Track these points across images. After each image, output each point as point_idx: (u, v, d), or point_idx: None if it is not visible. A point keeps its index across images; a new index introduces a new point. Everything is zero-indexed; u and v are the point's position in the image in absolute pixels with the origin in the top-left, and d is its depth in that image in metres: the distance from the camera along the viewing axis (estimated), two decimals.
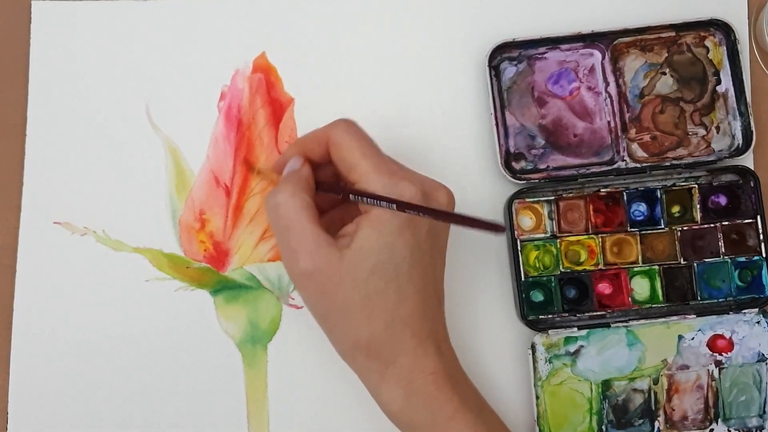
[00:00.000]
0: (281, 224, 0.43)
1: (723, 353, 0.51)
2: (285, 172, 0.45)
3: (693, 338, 0.51)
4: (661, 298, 0.51)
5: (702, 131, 0.52)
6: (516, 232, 0.51)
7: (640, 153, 0.52)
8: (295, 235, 0.42)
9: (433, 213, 0.43)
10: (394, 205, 0.42)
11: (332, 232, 0.44)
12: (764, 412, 0.51)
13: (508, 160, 0.52)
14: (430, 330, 0.44)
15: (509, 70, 0.53)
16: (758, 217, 0.51)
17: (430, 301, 0.44)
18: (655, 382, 0.51)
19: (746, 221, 0.51)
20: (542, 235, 0.51)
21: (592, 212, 0.51)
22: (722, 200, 0.52)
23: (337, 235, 0.44)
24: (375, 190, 0.43)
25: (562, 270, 0.51)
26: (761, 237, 0.51)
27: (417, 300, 0.43)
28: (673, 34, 0.53)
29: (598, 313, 0.51)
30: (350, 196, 0.44)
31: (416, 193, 0.43)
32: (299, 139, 0.48)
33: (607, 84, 0.52)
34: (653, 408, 0.51)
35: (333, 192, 0.46)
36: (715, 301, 0.51)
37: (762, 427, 0.51)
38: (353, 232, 0.43)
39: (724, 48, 0.53)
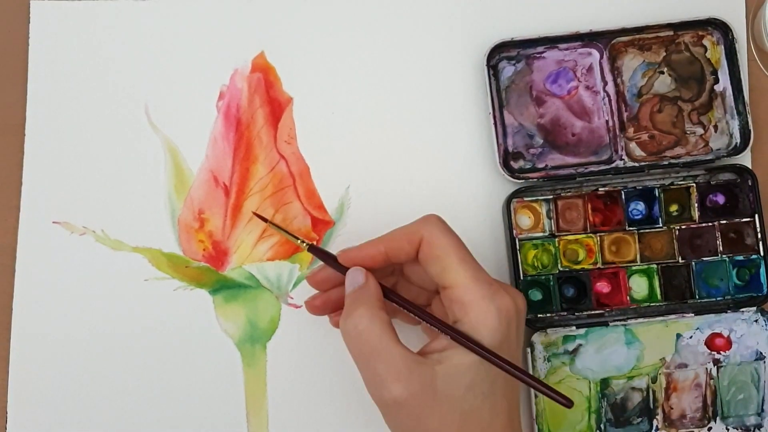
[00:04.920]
0: (365, 351, 0.41)
1: (721, 352, 0.51)
2: (348, 287, 0.43)
3: (691, 337, 0.51)
4: (659, 296, 0.51)
5: (700, 130, 0.53)
6: (514, 231, 0.51)
7: (638, 152, 0.52)
8: (382, 360, 0.40)
9: (512, 369, 0.41)
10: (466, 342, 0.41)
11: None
12: (762, 410, 0.51)
13: (507, 159, 0.52)
14: None
15: (507, 70, 0.53)
16: (756, 216, 0.51)
17: (516, 413, 0.43)
18: (654, 380, 0.51)
19: (744, 220, 0.52)
20: (540, 234, 0.51)
21: (590, 211, 0.51)
22: (720, 199, 0.52)
23: (424, 351, 0.42)
24: (473, 299, 0.41)
25: (561, 269, 0.51)
26: (759, 235, 0.51)
27: (508, 415, 0.42)
28: (671, 33, 0.53)
29: (597, 311, 0.51)
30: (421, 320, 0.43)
31: (513, 307, 0.41)
32: (385, 236, 0.44)
33: (605, 83, 0.53)
34: (652, 406, 0.51)
35: (403, 307, 0.43)
36: (713, 299, 0.52)
37: (760, 425, 0.51)
38: (444, 348, 0.41)
39: (722, 47, 0.53)
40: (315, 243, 0.50)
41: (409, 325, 0.47)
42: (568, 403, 0.40)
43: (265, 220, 0.48)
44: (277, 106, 0.53)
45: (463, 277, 0.41)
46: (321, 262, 0.46)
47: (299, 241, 0.46)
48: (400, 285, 0.47)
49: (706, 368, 0.51)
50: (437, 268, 0.42)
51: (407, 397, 0.40)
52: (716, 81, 0.53)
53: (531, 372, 0.50)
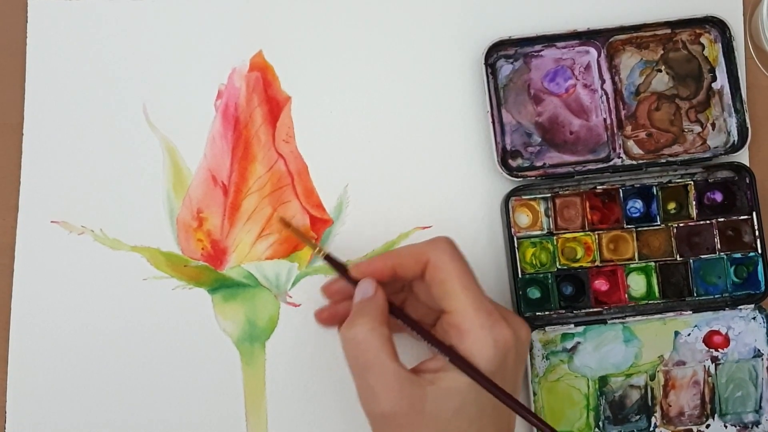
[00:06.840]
0: (360, 362, 0.41)
1: (719, 349, 0.51)
2: (357, 297, 0.44)
3: (689, 334, 0.51)
4: (657, 294, 0.51)
5: (697, 128, 0.53)
6: (513, 230, 0.51)
7: (636, 150, 0.52)
8: (375, 373, 0.41)
9: (503, 396, 0.41)
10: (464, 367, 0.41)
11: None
12: (760, 407, 0.51)
13: (505, 157, 0.52)
14: None
15: (505, 68, 0.53)
16: (753, 214, 0.51)
17: None
18: (652, 378, 0.51)
19: (742, 217, 0.52)
20: (539, 233, 0.51)
21: (588, 209, 0.51)
22: (718, 197, 0.52)
23: (418, 369, 0.42)
24: (471, 327, 0.41)
25: (559, 267, 0.51)
26: (757, 233, 0.51)
27: None
28: (668, 31, 0.53)
29: (595, 309, 0.51)
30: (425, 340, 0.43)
31: (511, 338, 0.41)
32: (393, 252, 0.45)
33: (603, 81, 0.53)
34: (650, 404, 0.51)
35: (407, 325, 0.44)
36: (711, 297, 0.52)
37: (758, 423, 0.51)
38: (438, 369, 0.41)
39: (720, 45, 0.53)
40: (315, 240, 0.51)
41: (416, 340, 0.47)
42: None
43: (287, 225, 0.50)
44: (275, 105, 0.53)
45: (464, 304, 0.41)
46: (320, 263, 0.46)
47: (316, 250, 0.47)
48: (409, 302, 0.47)
49: (704, 366, 0.51)
50: (440, 292, 0.42)
51: (395, 413, 0.40)
52: (714, 79, 0.53)
53: (529, 371, 0.50)
